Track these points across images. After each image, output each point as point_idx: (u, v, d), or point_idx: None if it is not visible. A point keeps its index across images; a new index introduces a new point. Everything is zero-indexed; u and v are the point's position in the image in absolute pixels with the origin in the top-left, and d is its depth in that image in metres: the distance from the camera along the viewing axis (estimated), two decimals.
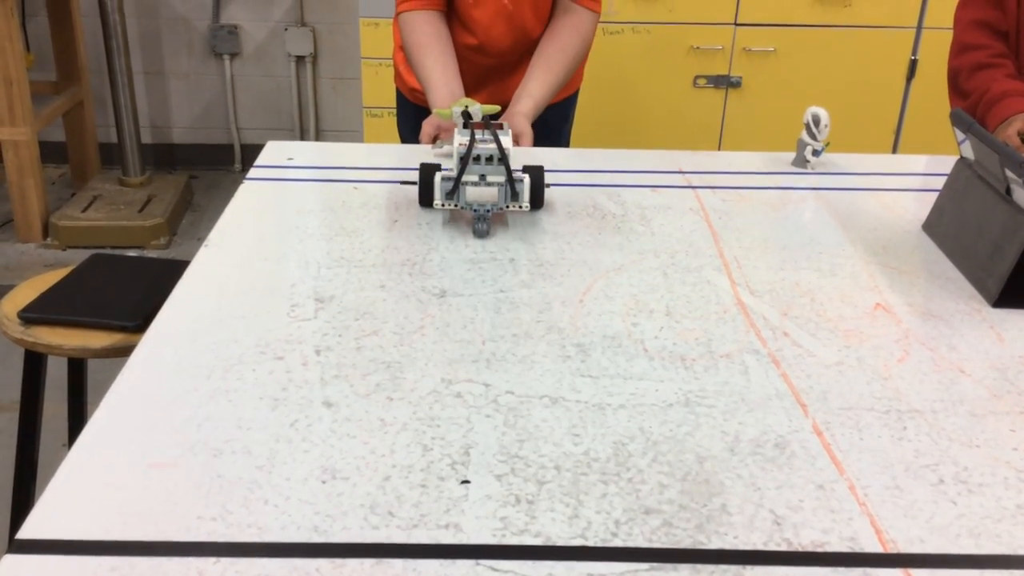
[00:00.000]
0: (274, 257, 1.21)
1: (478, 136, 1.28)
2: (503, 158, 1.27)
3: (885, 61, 3.08)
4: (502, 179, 1.28)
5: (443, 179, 1.30)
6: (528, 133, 1.62)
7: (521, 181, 1.30)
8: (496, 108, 1.37)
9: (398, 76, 1.92)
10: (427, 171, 1.34)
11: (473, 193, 1.28)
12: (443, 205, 1.31)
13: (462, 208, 1.30)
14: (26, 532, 0.75)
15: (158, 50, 3.74)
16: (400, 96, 1.94)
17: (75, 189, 3.58)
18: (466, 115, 1.33)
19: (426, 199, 1.34)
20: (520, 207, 1.31)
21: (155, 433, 0.86)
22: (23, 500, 1.62)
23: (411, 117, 1.90)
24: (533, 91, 1.64)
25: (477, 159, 1.27)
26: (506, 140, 1.28)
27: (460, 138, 1.28)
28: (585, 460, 0.85)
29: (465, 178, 1.28)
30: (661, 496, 0.81)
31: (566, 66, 1.69)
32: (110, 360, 1.40)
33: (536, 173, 1.34)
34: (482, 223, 1.28)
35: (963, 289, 1.19)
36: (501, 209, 1.30)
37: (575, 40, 1.70)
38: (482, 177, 1.28)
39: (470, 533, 0.76)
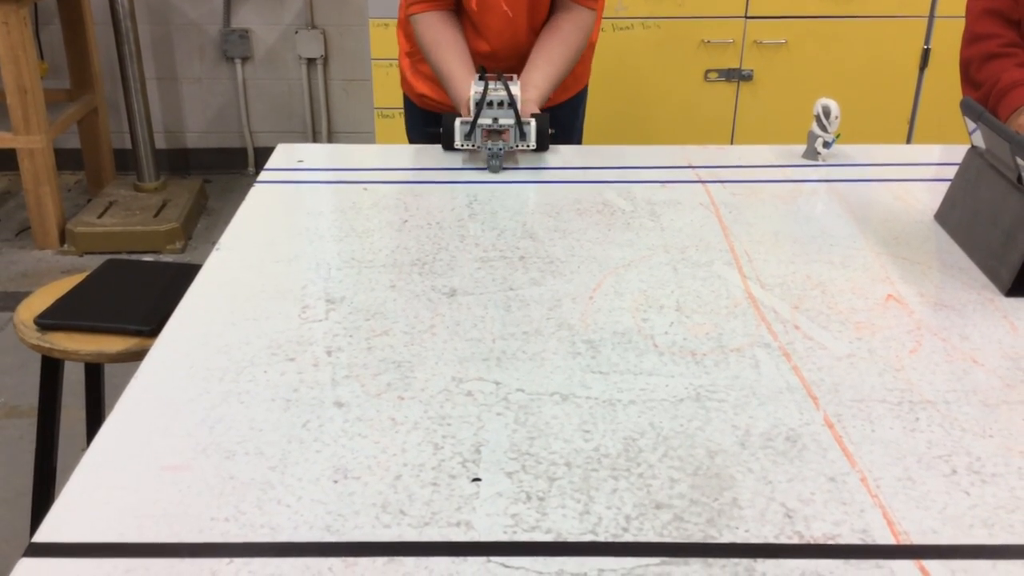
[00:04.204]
0: (285, 259, 1.21)
1: (491, 85, 1.49)
2: (512, 103, 1.48)
3: (898, 51, 3.06)
4: (512, 121, 1.49)
5: (461, 123, 1.50)
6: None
7: (528, 124, 1.50)
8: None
9: (404, 82, 1.92)
10: (448, 119, 1.54)
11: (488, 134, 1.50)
12: (462, 146, 1.51)
13: (478, 148, 1.51)
14: (42, 536, 0.75)
15: (170, 56, 3.76)
16: (408, 101, 1.94)
17: (91, 195, 3.60)
18: (481, 69, 1.54)
19: (448, 142, 1.53)
20: (527, 146, 1.51)
21: (168, 436, 0.87)
22: (42, 504, 1.64)
23: (419, 123, 1.90)
24: (536, 81, 1.66)
25: (490, 104, 1.48)
26: (515, 88, 1.49)
27: (476, 87, 1.49)
28: (596, 456, 0.85)
29: (480, 121, 1.48)
30: (672, 491, 0.81)
31: (567, 58, 1.71)
32: (127, 364, 1.41)
33: (541, 119, 1.53)
34: (495, 159, 1.50)
35: (975, 279, 1.18)
36: (511, 148, 1.50)
37: (575, 34, 1.71)
38: (495, 120, 1.49)
39: (481, 530, 0.76)
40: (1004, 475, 0.83)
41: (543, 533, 0.76)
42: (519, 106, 1.49)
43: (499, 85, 1.48)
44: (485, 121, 1.48)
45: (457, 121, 1.50)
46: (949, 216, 1.32)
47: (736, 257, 1.23)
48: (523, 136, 1.50)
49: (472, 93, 1.49)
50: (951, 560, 0.74)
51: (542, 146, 1.54)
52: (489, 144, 1.49)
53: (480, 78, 1.50)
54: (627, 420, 0.90)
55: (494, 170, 1.50)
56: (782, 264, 1.21)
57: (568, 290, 1.14)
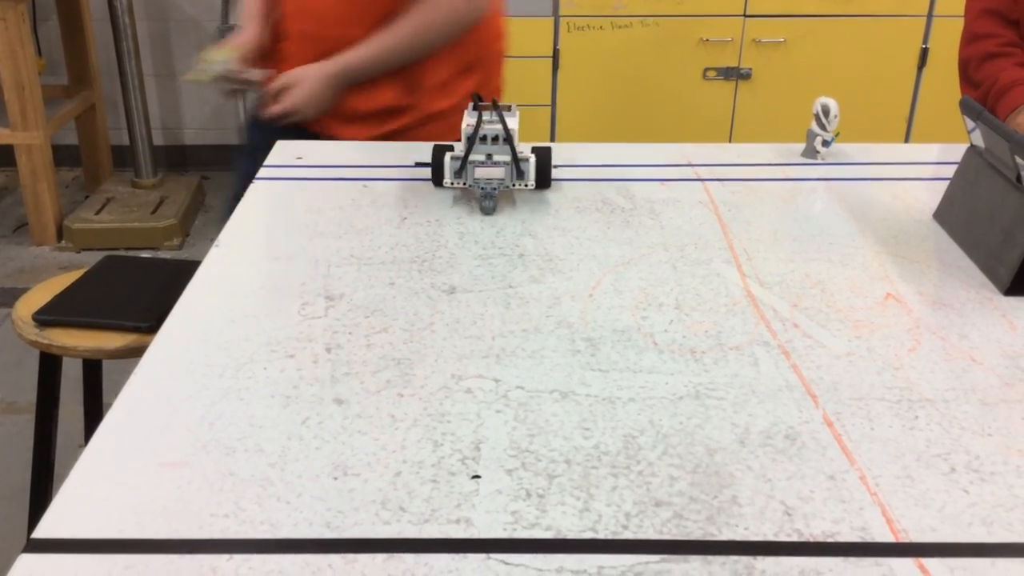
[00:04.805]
0: (284, 256, 1.21)
1: (486, 117, 1.33)
2: (508, 138, 1.33)
3: (896, 50, 3.07)
4: (507, 158, 1.34)
5: (452, 159, 1.35)
6: (305, 87, 1.55)
7: (527, 160, 1.35)
8: (228, 54, 1.58)
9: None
10: (439, 151, 1.38)
11: (480, 171, 1.34)
12: (452, 184, 1.36)
13: (470, 186, 1.35)
14: (41, 532, 0.75)
15: (168, 52, 3.76)
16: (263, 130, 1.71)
17: (88, 192, 3.60)
18: (476, 97, 1.38)
19: (438, 178, 1.39)
20: (525, 185, 1.36)
21: (168, 432, 0.87)
22: (40, 500, 1.64)
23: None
24: (348, 54, 1.56)
25: (483, 139, 1.33)
26: (512, 121, 1.34)
27: (468, 119, 1.34)
28: (595, 454, 0.85)
29: (472, 157, 1.33)
30: (671, 488, 0.81)
31: (395, 40, 1.57)
32: (125, 360, 1.41)
33: (543, 154, 1.38)
34: (489, 200, 1.34)
35: (974, 277, 1.18)
36: (507, 187, 1.36)
37: (414, 20, 1.58)
38: (488, 156, 1.34)
39: (481, 527, 0.76)
40: (1003, 473, 0.83)
41: (543, 530, 0.76)
42: (514, 137, 1.33)
43: (494, 116, 1.34)
44: (478, 157, 1.34)
45: (447, 156, 1.36)
46: (948, 215, 1.33)
47: (735, 255, 1.23)
48: (520, 175, 1.35)
49: (464, 126, 1.34)
50: (950, 558, 0.74)
51: (543, 183, 1.40)
52: (482, 184, 1.34)
53: (474, 107, 1.36)
54: (627, 418, 0.90)
55: (487, 212, 1.34)
56: (781, 262, 1.21)
57: (567, 288, 1.14)
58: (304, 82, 1.58)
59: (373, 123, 1.66)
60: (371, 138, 1.65)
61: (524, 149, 1.39)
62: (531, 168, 1.36)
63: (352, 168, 1.53)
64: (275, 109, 1.60)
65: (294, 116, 1.61)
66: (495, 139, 1.33)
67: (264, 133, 1.67)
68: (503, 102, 1.38)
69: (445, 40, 1.63)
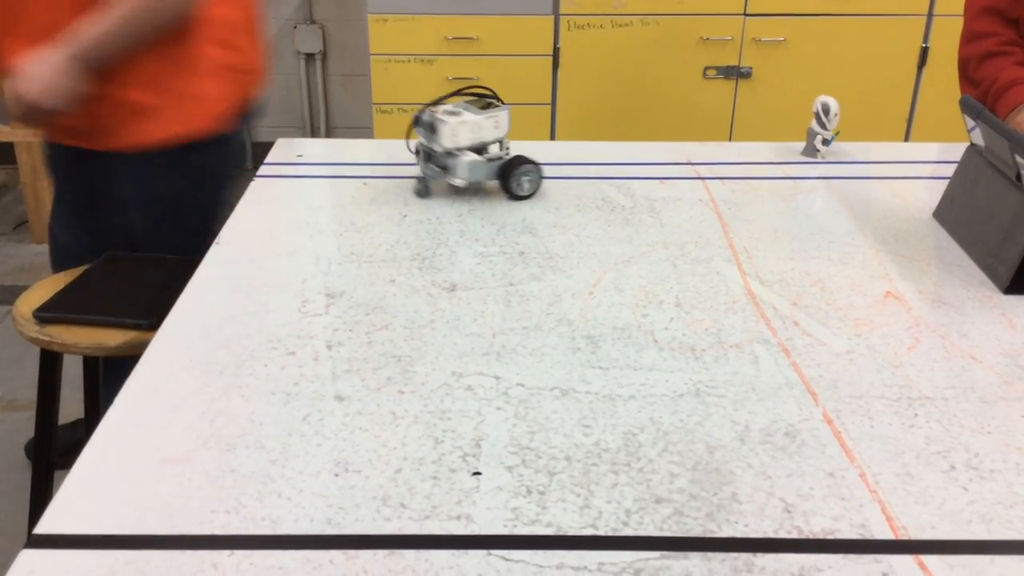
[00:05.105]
0: (285, 253, 1.21)
1: (441, 107, 1.37)
2: (434, 128, 1.35)
3: (896, 49, 3.07)
4: (438, 149, 1.37)
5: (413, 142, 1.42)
6: (41, 75, 1.46)
7: (456, 157, 1.36)
8: None
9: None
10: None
11: (420, 157, 1.40)
12: (416, 162, 1.42)
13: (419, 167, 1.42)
14: (43, 527, 0.76)
15: None
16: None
17: None
18: (486, 89, 1.40)
19: None
20: (455, 181, 1.38)
21: (169, 429, 0.87)
22: (41, 497, 1.64)
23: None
24: (80, 32, 1.45)
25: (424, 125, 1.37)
26: (459, 118, 1.34)
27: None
28: (596, 451, 0.85)
29: (421, 141, 1.39)
30: (672, 485, 0.81)
31: (127, 11, 1.46)
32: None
33: (512, 162, 1.38)
34: (420, 184, 1.40)
35: (974, 276, 1.19)
36: (441, 178, 1.39)
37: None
38: (430, 143, 1.38)
39: (481, 524, 0.76)
40: (1002, 471, 0.83)
41: (543, 527, 0.76)
42: (443, 127, 1.34)
43: (447, 107, 1.37)
44: (424, 143, 1.38)
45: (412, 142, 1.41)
46: (948, 213, 1.33)
47: (735, 253, 1.23)
48: (446, 170, 1.38)
49: (416, 114, 1.38)
50: (949, 555, 0.74)
51: (508, 189, 1.39)
52: (422, 168, 1.40)
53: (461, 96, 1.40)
54: (627, 415, 0.90)
55: (418, 195, 1.39)
56: (781, 261, 1.21)
57: (568, 285, 1.14)
58: (39, 71, 1.47)
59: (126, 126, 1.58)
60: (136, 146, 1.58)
61: (516, 150, 1.42)
62: (459, 166, 1.36)
63: (352, 166, 1.54)
64: (16, 109, 1.49)
65: (40, 109, 1.49)
66: (431, 128, 1.35)
67: (61, 156, 1.66)
68: (506, 102, 1.40)
69: (177, 12, 1.52)
